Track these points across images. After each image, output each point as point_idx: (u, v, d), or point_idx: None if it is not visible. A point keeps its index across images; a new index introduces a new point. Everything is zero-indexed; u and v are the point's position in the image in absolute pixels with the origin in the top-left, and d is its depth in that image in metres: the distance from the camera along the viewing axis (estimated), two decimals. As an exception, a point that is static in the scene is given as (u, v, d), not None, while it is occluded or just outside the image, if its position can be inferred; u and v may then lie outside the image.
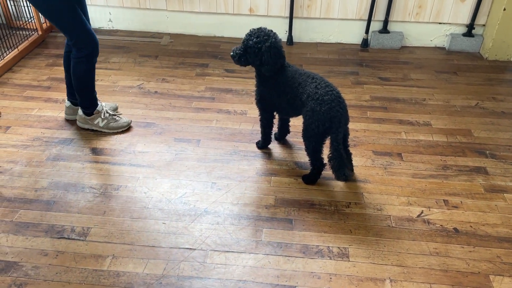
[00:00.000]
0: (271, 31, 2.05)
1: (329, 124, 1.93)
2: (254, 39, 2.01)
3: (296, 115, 2.18)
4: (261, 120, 2.28)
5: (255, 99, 2.23)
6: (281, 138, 2.44)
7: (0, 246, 1.79)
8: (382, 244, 1.84)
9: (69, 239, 1.83)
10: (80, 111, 2.45)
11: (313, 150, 2.05)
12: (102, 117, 2.45)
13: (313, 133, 1.98)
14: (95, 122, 2.45)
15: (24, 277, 1.67)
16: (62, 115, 2.61)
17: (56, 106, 2.70)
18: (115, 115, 2.50)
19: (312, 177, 2.14)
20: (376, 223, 1.93)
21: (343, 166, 1.97)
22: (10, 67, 3.12)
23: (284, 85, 2.08)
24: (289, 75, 2.07)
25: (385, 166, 2.27)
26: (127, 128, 2.51)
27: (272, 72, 2.07)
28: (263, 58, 2.01)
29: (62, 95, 2.80)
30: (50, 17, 2.12)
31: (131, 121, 2.54)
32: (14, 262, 1.73)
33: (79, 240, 1.83)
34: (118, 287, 1.64)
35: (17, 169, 2.20)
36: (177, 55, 3.38)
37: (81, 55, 2.22)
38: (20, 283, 1.65)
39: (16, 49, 3.22)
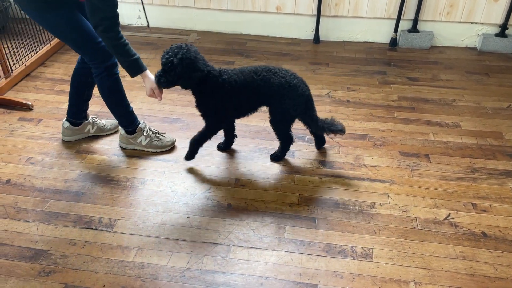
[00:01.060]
0: (185, 44, 1.95)
1: (305, 104, 2.09)
2: (166, 56, 1.93)
3: (255, 110, 2.18)
4: (214, 130, 2.17)
5: (210, 118, 2.12)
6: (228, 147, 2.37)
7: (31, 234, 1.85)
8: (407, 246, 1.81)
9: (96, 229, 1.88)
10: (121, 131, 2.32)
11: (287, 131, 2.19)
12: (145, 134, 2.31)
13: (290, 117, 2.12)
14: (138, 141, 2.31)
15: (52, 265, 1.73)
16: (92, 109, 2.67)
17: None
18: (158, 133, 2.36)
19: (283, 153, 2.28)
20: (401, 225, 1.91)
21: (330, 126, 2.12)
22: (42, 61, 3.22)
23: (244, 85, 2.03)
24: (238, 72, 2.06)
25: (412, 167, 2.23)
26: (170, 148, 2.35)
27: (189, 86, 2.01)
28: (177, 71, 1.91)
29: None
30: (58, 36, 2.05)
31: (175, 140, 2.39)
32: (43, 250, 1.79)
33: (106, 231, 1.87)
34: (143, 278, 1.67)
35: (48, 161, 2.26)
36: (204, 52, 3.41)
37: (101, 71, 2.10)
38: (49, 270, 1.70)
39: (49, 44, 3.32)
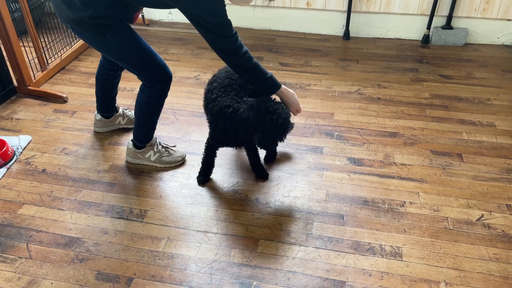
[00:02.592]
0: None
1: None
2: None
3: None
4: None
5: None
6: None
7: (65, 222, 1.91)
8: (438, 246, 1.78)
9: (127, 219, 1.92)
10: (129, 145, 2.19)
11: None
12: (155, 150, 2.19)
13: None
14: (146, 156, 2.18)
15: (85, 252, 1.78)
16: (124, 102, 2.73)
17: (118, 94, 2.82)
18: (168, 147, 2.24)
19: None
20: (432, 224, 1.87)
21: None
22: (77, 55, 3.30)
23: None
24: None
25: (444, 166, 2.18)
26: (181, 163, 2.24)
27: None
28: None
29: (124, 83, 2.90)
30: (117, 58, 1.95)
31: (185, 155, 2.26)
32: (77, 238, 1.84)
33: (137, 221, 1.92)
34: (172, 268, 1.70)
35: (82, 152, 2.33)
36: (233, 47, 3.42)
37: (154, 90, 2.01)
38: (82, 257, 1.75)
39: (83, 39, 3.40)
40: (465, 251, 1.75)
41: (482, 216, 1.91)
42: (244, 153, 2.30)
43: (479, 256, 1.73)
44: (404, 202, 1.99)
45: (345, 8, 3.43)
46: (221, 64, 3.16)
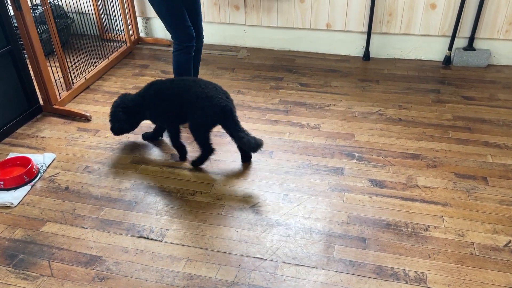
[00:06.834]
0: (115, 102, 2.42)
1: (223, 114, 2.22)
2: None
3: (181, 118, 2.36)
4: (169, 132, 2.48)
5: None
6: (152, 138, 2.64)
7: (86, 240, 1.93)
8: (464, 272, 1.72)
9: (148, 239, 1.93)
10: None
11: (204, 139, 2.32)
12: None
13: (203, 125, 2.29)
14: None
15: (106, 271, 1.78)
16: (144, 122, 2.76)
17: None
18: None
19: (201, 160, 2.37)
20: (457, 250, 1.82)
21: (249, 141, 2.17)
22: (101, 75, 3.38)
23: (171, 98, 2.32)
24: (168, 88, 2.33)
25: (469, 190, 2.14)
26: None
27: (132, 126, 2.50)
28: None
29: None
30: (158, 14, 2.56)
31: None
32: (98, 257, 1.85)
33: (157, 240, 1.92)
34: (192, 290, 1.69)
35: (104, 170, 2.36)
36: (253, 68, 3.46)
37: (180, 47, 2.58)
38: (103, 276, 1.76)
39: (107, 59, 3.49)
40: (493, 279, 1.69)
41: (510, 242, 1.85)
42: (264, 173, 2.30)
43: (507, 284, 1.67)
44: (428, 226, 1.94)
45: (365, 29, 3.44)
46: (241, 85, 3.20)
